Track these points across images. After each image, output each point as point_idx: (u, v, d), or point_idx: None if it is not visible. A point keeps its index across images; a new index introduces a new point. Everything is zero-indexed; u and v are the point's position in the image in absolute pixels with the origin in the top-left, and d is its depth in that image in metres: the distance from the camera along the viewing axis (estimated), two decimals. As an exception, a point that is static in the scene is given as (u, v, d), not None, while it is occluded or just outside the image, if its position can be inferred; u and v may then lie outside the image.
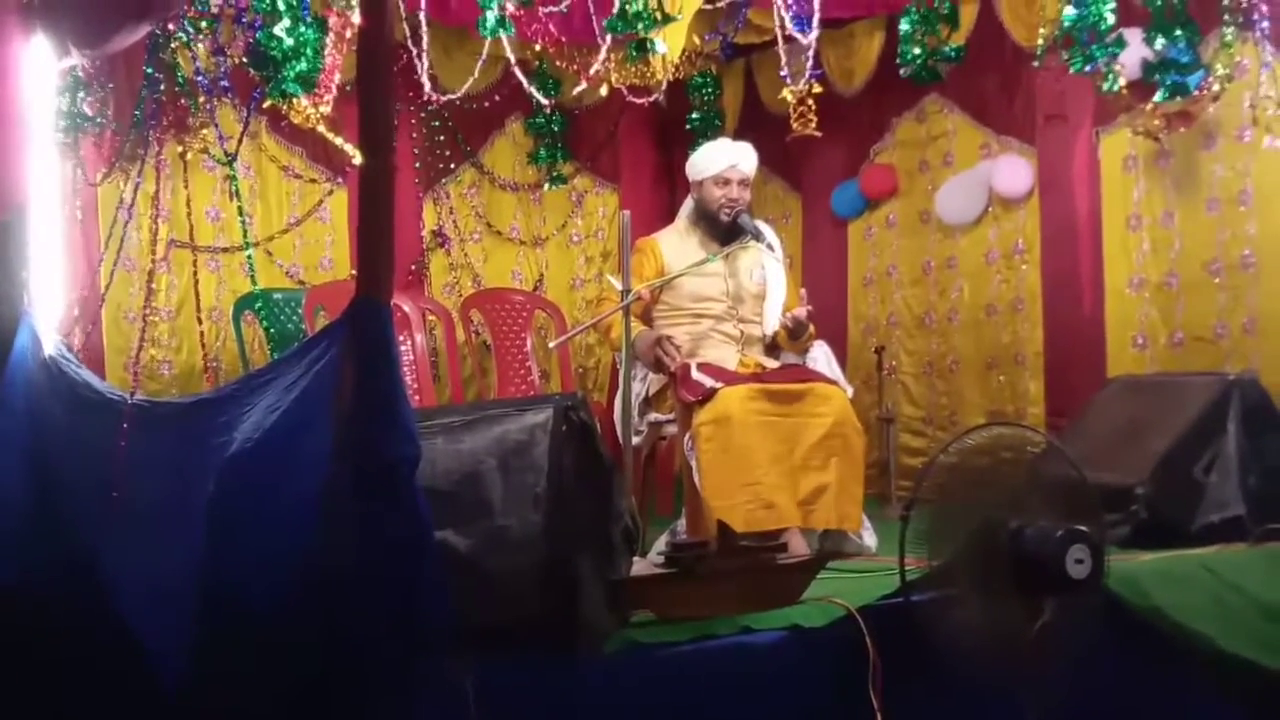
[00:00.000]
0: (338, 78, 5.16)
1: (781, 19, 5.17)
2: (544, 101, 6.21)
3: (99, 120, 5.63)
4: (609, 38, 5.38)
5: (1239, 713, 3.52)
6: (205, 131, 5.75)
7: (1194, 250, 5.30)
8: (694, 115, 7.13)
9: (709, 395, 4.18)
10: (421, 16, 5.38)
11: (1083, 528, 2.92)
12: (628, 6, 5.11)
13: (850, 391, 4.51)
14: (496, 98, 6.46)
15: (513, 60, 5.51)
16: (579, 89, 5.98)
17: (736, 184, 4.60)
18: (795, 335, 4.58)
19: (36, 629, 2.74)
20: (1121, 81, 4.89)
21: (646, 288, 4.38)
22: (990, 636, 2.88)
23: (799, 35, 5.14)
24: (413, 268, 6.70)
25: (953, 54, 5.56)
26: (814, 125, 5.37)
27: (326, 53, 5.06)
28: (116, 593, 2.74)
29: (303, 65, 5.01)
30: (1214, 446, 4.23)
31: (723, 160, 4.64)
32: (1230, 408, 4.27)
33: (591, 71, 5.63)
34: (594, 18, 5.51)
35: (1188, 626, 3.45)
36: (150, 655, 2.62)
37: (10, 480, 2.91)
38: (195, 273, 5.71)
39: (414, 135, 6.76)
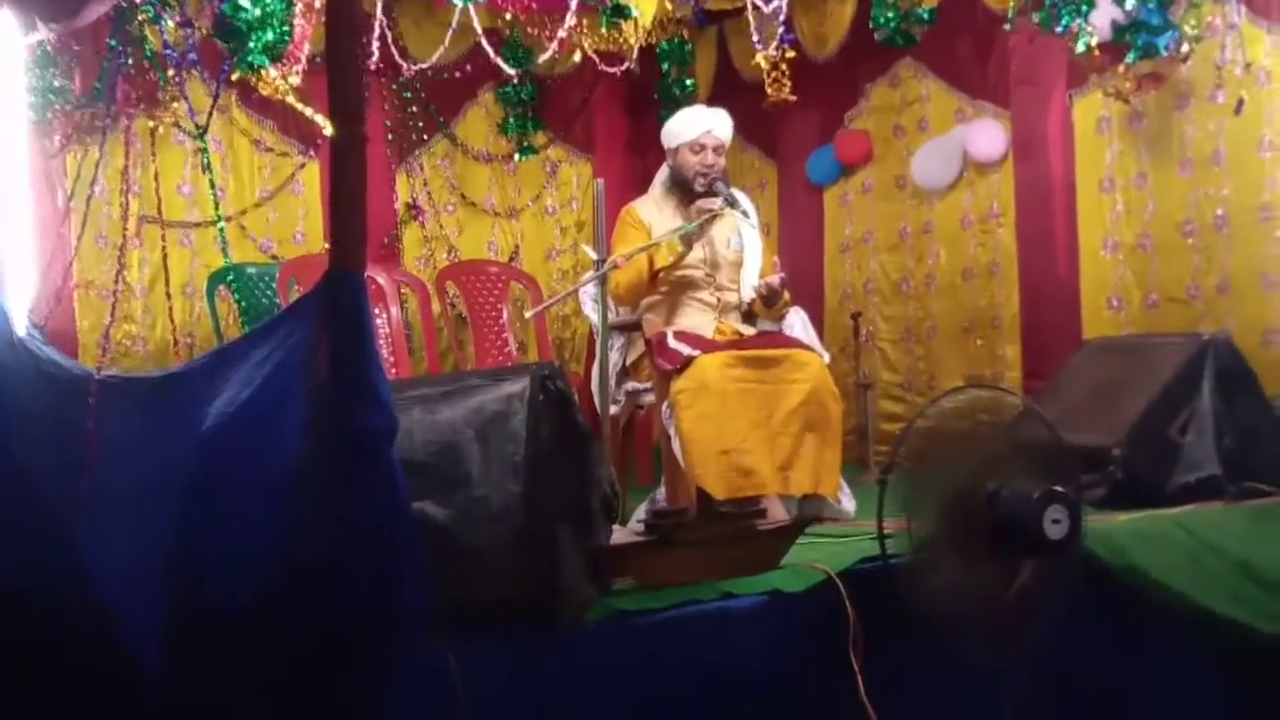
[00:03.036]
0: (307, 48, 5.13)
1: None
2: (510, 72, 6.17)
3: (68, 95, 5.58)
4: (577, 2, 5.34)
5: (1214, 668, 3.55)
6: (175, 105, 5.71)
7: (1167, 211, 5.32)
8: (667, 83, 7.09)
9: (686, 363, 4.18)
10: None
11: (1060, 489, 2.93)
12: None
13: (827, 358, 4.52)
14: (468, 67, 6.39)
15: (479, 31, 5.46)
16: (549, 56, 5.95)
17: (711, 150, 4.58)
18: (769, 302, 4.57)
19: (11, 620, 2.72)
20: (1094, 40, 4.89)
21: (621, 256, 4.36)
22: (969, 598, 2.90)
23: (764, 4, 5.11)
24: (386, 240, 6.66)
25: (925, 16, 5.55)
26: (788, 90, 5.36)
27: (295, 23, 5.02)
28: (91, 577, 2.71)
29: (269, 35, 4.97)
30: (1189, 407, 4.26)
31: (698, 126, 4.61)
32: (1204, 368, 4.30)
33: (562, 34, 5.59)
34: (566, -15, 5.48)
35: (1165, 585, 3.47)
36: (128, 640, 2.60)
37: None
38: (165, 248, 5.67)
39: (385, 107, 6.71)
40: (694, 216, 4.44)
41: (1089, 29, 4.89)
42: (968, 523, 2.95)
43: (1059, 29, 4.95)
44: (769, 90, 5.35)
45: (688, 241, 4.45)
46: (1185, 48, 4.86)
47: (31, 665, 2.68)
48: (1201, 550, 3.62)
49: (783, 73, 5.34)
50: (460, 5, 5.35)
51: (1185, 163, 5.24)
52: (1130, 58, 4.91)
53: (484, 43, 5.58)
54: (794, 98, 5.39)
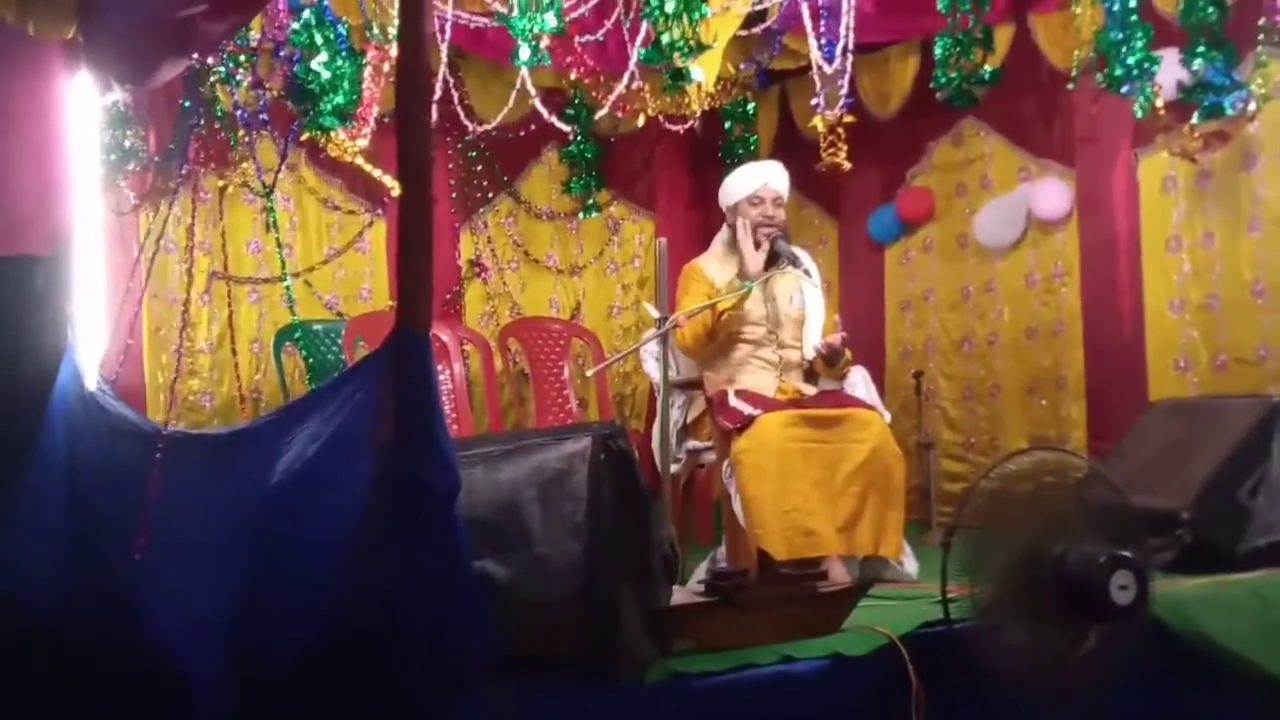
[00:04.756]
0: (376, 110, 5.21)
1: (815, 45, 5.17)
2: (565, 129, 6.21)
3: (141, 154, 5.70)
4: (637, 67, 5.38)
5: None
6: (244, 164, 5.81)
7: (1235, 271, 5.26)
8: (730, 141, 7.13)
9: (747, 422, 4.17)
10: (447, 46, 5.39)
11: (1127, 553, 2.89)
12: (663, 35, 5.12)
13: (888, 417, 4.49)
14: (533, 127, 6.44)
15: (534, 94, 5.50)
16: (610, 115, 6.00)
17: (770, 202, 4.60)
18: (831, 362, 4.56)
19: (76, 659, 2.76)
20: (1160, 102, 4.86)
21: (683, 314, 4.37)
22: (1034, 664, 2.86)
23: (827, 64, 5.13)
24: (448, 297, 6.72)
25: (988, 77, 5.54)
26: (844, 155, 5.36)
27: (364, 85, 5.10)
28: (154, 626, 2.75)
29: (340, 98, 5.05)
30: (1259, 469, 4.18)
31: (754, 181, 4.64)
32: (1275, 430, 4.22)
33: (620, 95, 5.63)
34: (628, 46, 5.53)
35: (1236, 653, 3.40)
36: (190, 688, 2.63)
37: (53, 515, 2.94)
38: (230, 304, 5.74)
39: (451, 166, 6.80)
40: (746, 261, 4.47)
41: (1152, 90, 4.86)
42: (1033, 587, 2.91)
43: (1124, 90, 4.92)
44: (824, 154, 5.36)
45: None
46: (1252, 106, 4.83)
47: (95, 703, 2.72)
48: (1274, 617, 3.54)
49: (839, 136, 5.34)
50: (524, 68, 5.40)
51: (1254, 222, 5.18)
52: (1196, 118, 4.88)
53: (538, 104, 5.63)
54: (849, 165, 5.40)
